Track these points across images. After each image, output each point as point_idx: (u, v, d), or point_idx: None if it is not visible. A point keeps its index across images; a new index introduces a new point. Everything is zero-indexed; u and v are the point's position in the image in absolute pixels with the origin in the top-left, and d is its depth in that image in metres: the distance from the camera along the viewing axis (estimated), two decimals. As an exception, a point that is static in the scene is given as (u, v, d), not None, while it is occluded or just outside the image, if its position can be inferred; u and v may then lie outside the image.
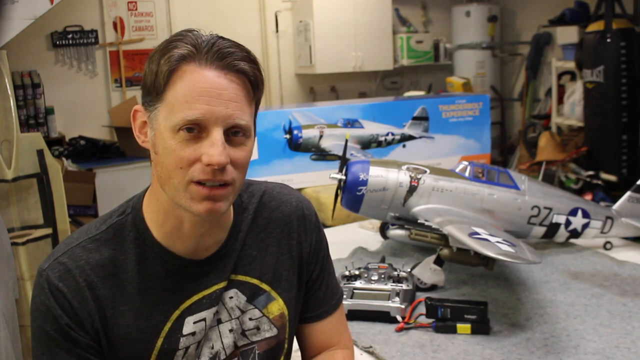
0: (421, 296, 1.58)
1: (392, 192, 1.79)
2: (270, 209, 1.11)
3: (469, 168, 1.87)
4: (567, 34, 4.80)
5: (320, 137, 2.61)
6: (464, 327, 1.44)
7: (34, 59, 4.81)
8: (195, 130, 0.88)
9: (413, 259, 1.92)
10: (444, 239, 1.68)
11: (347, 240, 2.15)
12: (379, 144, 2.69)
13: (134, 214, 1.00)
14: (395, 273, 1.64)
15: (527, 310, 1.56)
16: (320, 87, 6.05)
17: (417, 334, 1.45)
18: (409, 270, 1.68)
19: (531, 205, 1.85)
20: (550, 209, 1.87)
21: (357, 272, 1.65)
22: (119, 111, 4.90)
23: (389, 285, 1.59)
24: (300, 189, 2.61)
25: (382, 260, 1.80)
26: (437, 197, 1.80)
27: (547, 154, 4.50)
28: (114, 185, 4.40)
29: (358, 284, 1.61)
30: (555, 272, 1.80)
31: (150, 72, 0.91)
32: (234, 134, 0.91)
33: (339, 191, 1.89)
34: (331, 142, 2.62)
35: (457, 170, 1.87)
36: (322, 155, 2.63)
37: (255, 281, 1.06)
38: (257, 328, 1.06)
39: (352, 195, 1.81)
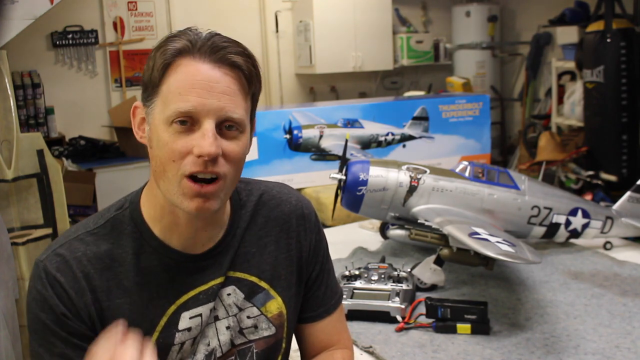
0: (421, 296, 1.58)
1: (392, 192, 1.79)
2: (270, 208, 1.11)
3: (469, 168, 1.87)
4: (567, 34, 4.80)
5: (320, 137, 2.61)
6: (464, 327, 1.44)
7: (34, 59, 4.81)
8: (188, 122, 0.89)
9: (413, 259, 1.92)
10: (444, 239, 1.68)
11: (347, 240, 2.15)
12: (379, 144, 2.69)
13: (132, 208, 1.00)
14: (395, 273, 1.64)
15: (527, 310, 1.56)
16: (320, 87, 6.05)
17: (417, 334, 1.45)
18: (409, 270, 1.68)
19: (531, 205, 1.85)
20: (550, 209, 1.87)
21: (357, 272, 1.65)
22: (119, 111, 4.90)
23: (389, 285, 1.59)
24: (300, 189, 2.61)
25: (382, 260, 1.80)
26: (437, 197, 1.80)
27: (547, 154, 4.50)
28: (114, 185, 4.40)
29: (358, 284, 1.61)
30: (555, 272, 1.80)
31: (148, 68, 0.93)
32: (228, 128, 0.92)
33: (339, 191, 1.89)
34: (331, 142, 2.62)
35: (457, 170, 1.87)
36: (322, 155, 2.63)
37: (253, 279, 1.06)
38: (255, 326, 1.06)
39: (352, 195, 1.81)
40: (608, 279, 1.74)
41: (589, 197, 3.51)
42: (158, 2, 5.25)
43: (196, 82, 0.89)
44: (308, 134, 2.59)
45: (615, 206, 1.99)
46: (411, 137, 2.71)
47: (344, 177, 1.84)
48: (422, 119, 2.70)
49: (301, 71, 5.85)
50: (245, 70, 0.93)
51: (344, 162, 1.90)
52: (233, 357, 1.05)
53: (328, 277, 1.17)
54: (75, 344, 0.94)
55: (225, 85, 0.90)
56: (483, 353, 1.35)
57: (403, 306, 1.51)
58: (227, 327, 1.04)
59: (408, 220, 1.83)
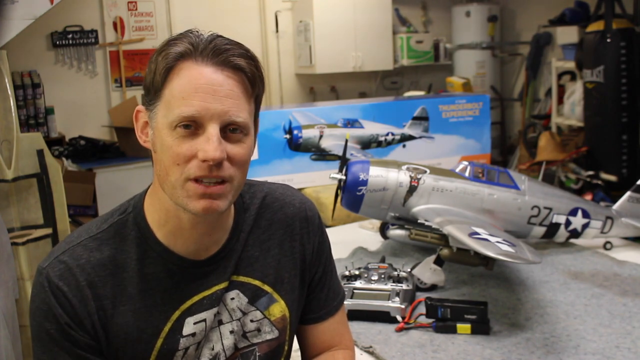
0: (421, 296, 1.58)
1: (392, 192, 1.79)
2: (273, 210, 1.10)
3: (469, 168, 1.87)
4: (567, 34, 4.80)
5: (320, 137, 2.61)
6: (464, 327, 1.44)
7: (34, 59, 4.81)
8: (192, 126, 0.89)
9: (413, 259, 1.92)
10: (444, 239, 1.68)
11: (347, 240, 2.14)
12: (379, 144, 2.69)
13: (135, 212, 0.99)
14: (395, 273, 1.64)
15: (527, 310, 1.56)
16: (320, 87, 6.05)
17: (417, 334, 1.45)
18: (409, 270, 1.68)
19: (531, 205, 1.85)
20: (550, 209, 1.87)
21: (357, 272, 1.65)
22: (119, 111, 4.90)
23: (389, 285, 1.59)
24: (300, 189, 2.61)
25: (382, 260, 1.80)
26: (437, 197, 1.80)
27: (547, 154, 4.50)
28: (114, 185, 4.40)
29: (358, 284, 1.61)
30: (555, 272, 1.80)
31: (149, 71, 0.92)
32: (232, 131, 0.91)
33: (339, 191, 1.89)
34: (331, 142, 2.62)
35: (457, 170, 1.87)
36: (322, 155, 2.63)
37: (257, 282, 1.05)
38: (258, 330, 1.06)
39: (352, 195, 1.81)
40: (608, 279, 1.74)
41: (589, 197, 3.51)
42: (158, 2, 5.25)
43: (199, 86, 0.88)
44: (308, 134, 2.59)
45: (615, 206, 1.99)
46: (411, 137, 2.71)
47: (344, 177, 1.84)
48: (422, 119, 2.70)
49: (301, 71, 5.85)
50: (249, 73, 0.92)
51: (344, 162, 1.90)
52: None
53: (331, 279, 1.17)
54: (79, 354, 0.93)
55: (229, 88, 0.90)
56: (483, 353, 1.35)
57: (403, 306, 1.51)
58: (231, 332, 1.03)
59: (408, 220, 1.83)
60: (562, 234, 1.91)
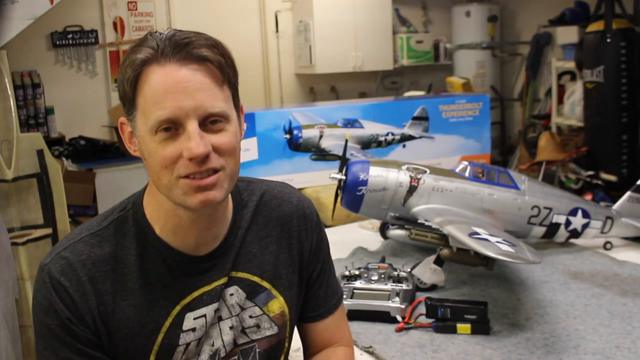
0: (421, 296, 1.58)
1: (392, 192, 1.79)
2: (271, 208, 1.11)
3: (469, 168, 1.87)
4: (567, 34, 4.80)
5: (320, 137, 2.61)
6: (464, 327, 1.44)
7: (34, 59, 4.81)
8: (172, 128, 0.89)
9: (413, 259, 1.92)
10: (444, 239, 1.68)
11: (347, 240, 2.14)
12: (379, 144, 2.69)
13: (135, 209, 1.00)
14: (395, 273, 1.64)
15: (527, 310, 1.56)
16: (320, 87, 6.05)
17: (417, 334, 1.45)
18: (409, 270, 1.68)
19: (531, 205, 1.85)
20: (550, 209, 1.87)
21: (357, 272, 1.65)
22: (119, 111, 4.87)
23: (389, 285, 1.59)
24: (300, 189, 2.61)
25: (382, 260, 1.80)
26: (437, 197, 1.80)
27: (547, 154, 4.50)
28: (114, 185, 4.40)
29: (358, 284, 1.61)
30: (555, 272, 1.80)
31: (120, 83, 0.92)
32: (213, 122, 0.91)
33: (339, 191, 1.89)
34: (331, 142, 2.63)
35: (457, 170, 1.87)
36: (322, 155, 2.63)
37: (255, 278, 1.06)
38: (258, 326, 1.06)
39: (352, 195, 1.81)
40: (608, 279, 1.74)
41: (589, 197, 3.51)
42: (158, 2, 5.25)
43: (168, 87, 0.88)
44: (308, 134, 2.59)
45: (615, 206, 1.98)
46: (411, 137, 2.71)
47: (344, 177, 1.84)
48: (422, 119, 2.70)
49: (301, 71, 5.85)
50: (214, 61, 0.90)
51: (344, 162, 1.90)
52: (236, 357, 1.05)
53: (329, 277, 1.18)
54: (80, 350, 0.94)
55: (197, 81, 0.89)
56: (483, 353, 1.35)
57: (403, 306, 1.51)
58: (231, 327, 1.04)
59: (408, 220, 1.83)
60: (562, 234, 1.91)
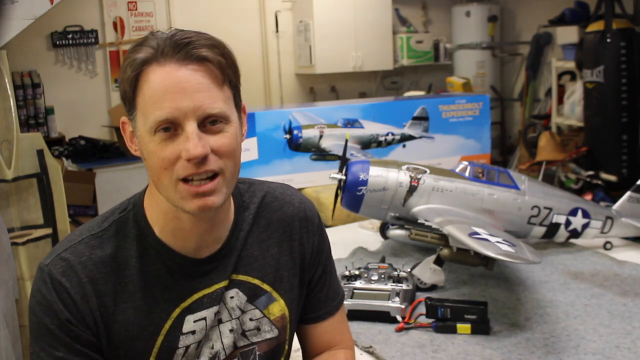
0: (421, 296, 1.58)
1: (392, 192, 1.79)
2: (272, 210, 1.10)
3: (469, 168, 1.87)
4: (567, 34, 4.80)
5: (320, 137, 2.61)
6: (464, 327, 1.44)
7: (34, 59, 4.81)
8: (171, 128, 0.88)
9: (413, 259, 1.92)
10: (444, 239, 1.68)
11: (347, 240, 2.14)
12: (379, 144, 2.69)
13: (135, 210, 1.00)
14: (395, 273, 1.64)
15: (527, 310, 1.56)
16: (320, 87, 6.05)
17: (417, 334, 1.45)
18: (409, 270, 1.68)
19: (531, 205, 1.85)
20: (550, 209, 1.87)
21: (357, 272, 1.65)
22: (119, 111, 4.89)
23: (389, 285, 1.59)
24: (300, 189, 2.61)
25: (382, 260, 1.80)
26: (437, 197, 1.80)
27: (547, 154, 4.50)
28: (114, 185, 4.40)
29: (358, 284, 1.61)
30: (555, 272, 1.80)
31: (121, 83, 0.92)
32: (212, 123, 0.90)
33: (339, 191, 1.89)
34: (331, 142, 2.63)
35: (457, 170, 1.87)
36: (322, 155, 2.63)
37: (256, 281, 1.05)
38: (258, 329, 1.06)
39: (352, 195, 1.81)
40: (608, 279, 1.74)
41: (589, 197, 3.52)
42: (158, 2, 5.25)
43: (167, 87, 0.87)
44: (308, 134, 2.59)
45: (615, 206, 1.99)
46: (411, 137, 2.71)
47: (344, 177, 1.84)
48: (422, 119, 2.70)
49: (301, 71, 5.85)
50: (214, 61, 0.89)
51: (344, 162, 1.90)
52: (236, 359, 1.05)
53: (330, 279, 1.17)
54: (78, 350, 0.93)
55: (196, 82, 0.88)
56: (483, 353, 1.35)
57: (403, 306, 1.51)
58: (231, 330, 1.03)
59: (408, 220, 1.83)
60: (562, 234, 1.91)
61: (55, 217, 2.59)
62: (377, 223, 2.22)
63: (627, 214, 1.96)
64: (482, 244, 1.46)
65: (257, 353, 1.06)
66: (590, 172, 4.18)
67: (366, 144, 2.68)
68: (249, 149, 2.51)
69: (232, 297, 1.03)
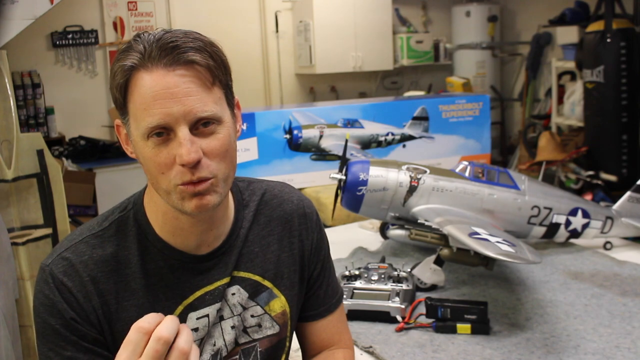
0: (421, 296, 1.58)
1: (392, 192, 1.79)
2: (272, 207, 1.11)
3: (469, 168, 1.87)
4: (567, 34, 4.80)
5: (320, 137, 2.61)
6: (464, 327, 1.44)
7: (34, 59, 4.81)
8: (164, 133, 0.88)
9: (413, 259, 1.92)
10: (444, 239, 1.68)
11: (347, 240, 2.14)
12: (379, 144, 2.69)
13: (136, 209, 1.00)
14: (395, 273, 1.64)
15: (527, 310, 1.56)
16: (320, 87, 6.05)
17: (417, 334, 1.45)
18: (409, 270, 1.68)
19: (531, 205, 1.85)
20: (550, 209, 1.87)
21: (357, 272, 1.65)
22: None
23: (389, 285, 1.59)
24: (300, 189, 2.61)
25: (382, 260, 1.80)
26: (437, 197, 1.80)
27: (547, 154, 4.50)
28: (114, 185, 4.40)
29: (358, 284, 1.61)
30: (555, 272, 1.80)
31: (111, 88, 0.92)
32: (204, 125, 0.89)
33: (339, 191, 1.89)
34: (331, 142, 2.63)
35: (457, 170, 1.87)
36: (322, 155, 2.63)
37: (257, 278, 1.06)
38: (259, 325, 1.07)
39: (352, 195, 1.81)
40: (608, 279, 1.74)
41: (589, 197, 3.52)
42: (158, 2, 5.25)
43: (156, 93, 0.86)
44: (308, 134, 2.59)
45: (615, 206, 1.98)
46: (411, 137, 2.71)
47: (344, 177, 1.84)
48: (422, 119, 2.70)
49: (301, 71, 5.85)
50: (202, 63, 0.89)
51: (344, 162, 1.90)
52: (237, 356, 1.06)
53: (329, 276, 1.18)
54: (87, 348, 0.94)
55: (185, 86, 0.87)
56: (483, 353, 1.35)
57: (403, 306, 1.51)
58: (232, 327, 1.04)
59: (408, 220, 1.83)
60: (562, 234, 1.91)
61: (55, 217, 2.59)
62: (377, 223, 2.22)
63: (627, 214, 1.96)
64: (482, 244, 1.46)
65: (259, 349, 1.07)
66: (590, 172, 4.18)
67: (366, 144, 2.68)
68: (249, 149, 2.51)
69: (233, 294, 1.04)
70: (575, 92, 4.66)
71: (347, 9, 5.56)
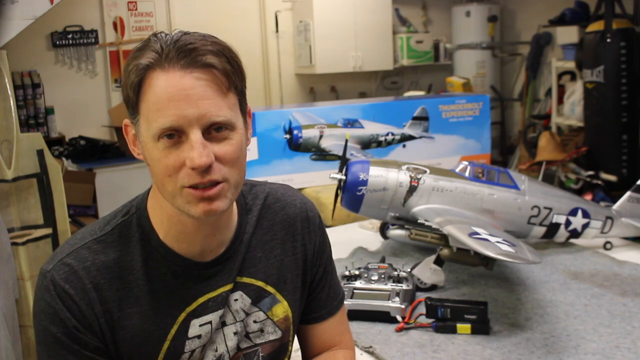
0: (421, 296, 1.58)
1: (392, 192, 1.79)
2: (275, 211, 1.10)
3: (469, 168, 1.87)
4: (567, 34, 4.80)
5: (320, 137, 2.61)
6: (464, 327, 1.44)
7: (34, 59, 4.81)
8: (175, 135, 0.87)
9: (413, 259, 1.92)
10: (444, 239, 1.68)
11: (347, 240, 2.14)
12: (379, 144, 2.69)
13: (139, 214, 0.99)
14: (395, 273, 1.64)
15: (527, 310, 1.56)
16: (320, 87, 6.05)
17: (417, 334, 1.45)
18: (409, 270, 1.68)
19: (531, 205, 1.85)
20: (550, 209, 1.87)
21: (357, 272, 1.65)
22: (119, 111, 4.90)
23: (389, 285, 1.59)
24: (300, 189, 2.61)
25: (382, 260, 1.80)
26: (437, 197, 1.80)
27: (547, 154, 4.50)
28: (114, 185, 4.40)
29: (358, 284, 1.61)
30: (555, 272, 1.80)
31: (124, 86, 0.90)
32: (217, 130, 0.88)
33: (339, 191, 1.89)
34: (331, 142, 2.62)
35: (457, 170, 1.87)
36: (322, 155, 2.63)
37: (260, 283, 1.05)
38: (261, 330, 1.06)
39: (352, 195, 1.81)
40: (608, 279, 1.74)
41: (589, 197, 3.51)
42: (158, 2, 5.25)
43: (171, 94, 0.85)
44: (308, 134, 2.59)
45: (615, 206, 1.98)
46: (411, 137, 2.71)
47: (344, 177, 1.84)
48: (422, 119, 2.70)
49: (301, 71, 5.85)
50: (219, 68, 0.87)
51: (344, 162, 1.90)
52: None
53: (331, 279, 1.17)
54: (88, 357, 0.93)
55: (201, 90, 0.86)
56: (483, 353, 1.35)
57: (403, 306, 1.51)
58: (235, 333, 1.03)
59: (408, 220, 1.83)
60: (562, 234, 1.91)
61: (55, 217, 2.59)
62: (377, 223, 2.22)
63: (627, 214, 1.96)
64: (482, 244, 1.46)
65: (261, 354, 1.06)
66: (590, 172, 4.18)
67: (366, 144, 2.68)
68: (249, 149, 2.50)
69: (236, 300, 1.03)
70: (575, 92, 4.66)
71: (347, 9, 5.56)
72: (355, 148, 2.63)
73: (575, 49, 4.58)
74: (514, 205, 1.84)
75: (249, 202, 1.08)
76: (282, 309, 1.07)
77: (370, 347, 1.40)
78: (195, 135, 0.86)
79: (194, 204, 0.89)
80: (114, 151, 4.79)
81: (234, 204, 1.04)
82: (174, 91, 0.85)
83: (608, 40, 3.98)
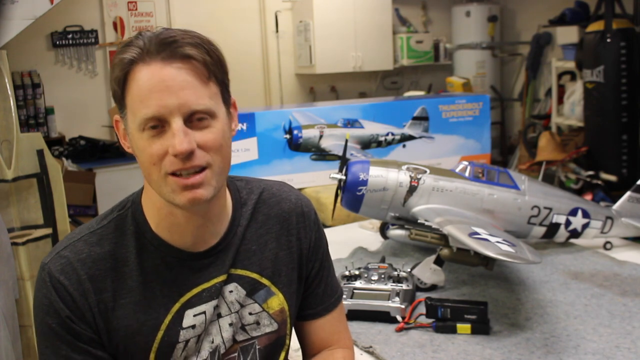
0: (421, 296, 1.58)
1: (392, 192, 1.79)
2: (270, 206, 1.11)
3: (469, 168, 1.87)
4: (567, 34, 4.80)
5: (320, 137, 2.61)
6: (464, 327, 1.44)
7: (34, 59, 4.81)
8: (159, 125, 0.90)
9: (413, 259, 1.92)
10: (444, 239, 1.68)
11: (347, 240, 2.14)
12: (379, 144, 2.69)
13: (134, 208, 1.02)
14: (395, 273, 1.64)
15: (527, 310, 1.56)
16: (320, 87, 6.05)
17: (417, 334, 1.45)
18: (409, 270, 1.68)
19: (531, 205, 1.85)
20: (550, 209, 1.87)
21: (357, 272, 1.65)
22: (118, 111, 4.89)
23: (389, 285, 1.59)
24: (300, 189, 2.61)
25: (382, 260, 1.80)
26: (437, 197, 1.80)
27: (547, 154, 4.50)
28: (114, 185, 4.40)
29: (358, 284, 1.61)
30: (555, 272, 1.80)
31: (111, 82, 0.95)
32: (199, 119, 0.92)
33: (339, 191, 1.89)
34: (331, 142, 2.63)
35: (457, 170, 1.87)
36: (322, 155, 2.63)
37: (255, 275, 1.06)
38: (257, 323, 1.07)
39: (352, 195, 1.81)
40: (608, 279, 1.74)
41: (589, 197, 3.51)
42: (158, 2, 5.25)
43: (152, 85, 0.89)
44: (308, 134, 2.59)
45: (615, 206, 1.99)
46: (411, 137, 2.71)
47: (344, 177, 1.84)
48: (422, 119, 2.70)
49: (301, 71, 5.85)
50: (198, 58, 0.91)
51: (344, 162, 1.90)
52: (236, 354, 1.06)
53: (328, 275, 1.18)
54: (81, 348, 0.95)
55: (181, 79, 0.90)
56: (483, 353, 1.35)
57: (403, 306, 1.51)
58: (230, 324, 1.05)
59: (408, 220, 1.83)
60: (562, 234, 1.91)
61: (55, 217, 2.59)
62: (377, 223, 2.22)
63: (627, 214, 1.96)
64: (482, 244, 1.46)
65: (257, 347, 1.08)
66: (590, 172, 4.18)
67: (366, 144, 2.68)
68: (249, 149, 2.51)
69: (230, 292, 1.04)
70: (575, 92, 4.66)
71: (347, 9, 5.56)
72: (355, 148, 2.63)
73: (575, 49, 4.58)
74: (514, 205, 1.84)
75: (243, 196, 1.10)
76: (277, 301, 1.08)
77: (370, 347, 1.40)
78: (177, 123, 0.89)
79: (179, 192, 0.92)
80: (114, 151, 4.79)
81: (228, 198, 1.07)
82: (155, 82, 0.89)
83: (608, 40, 3.98)
